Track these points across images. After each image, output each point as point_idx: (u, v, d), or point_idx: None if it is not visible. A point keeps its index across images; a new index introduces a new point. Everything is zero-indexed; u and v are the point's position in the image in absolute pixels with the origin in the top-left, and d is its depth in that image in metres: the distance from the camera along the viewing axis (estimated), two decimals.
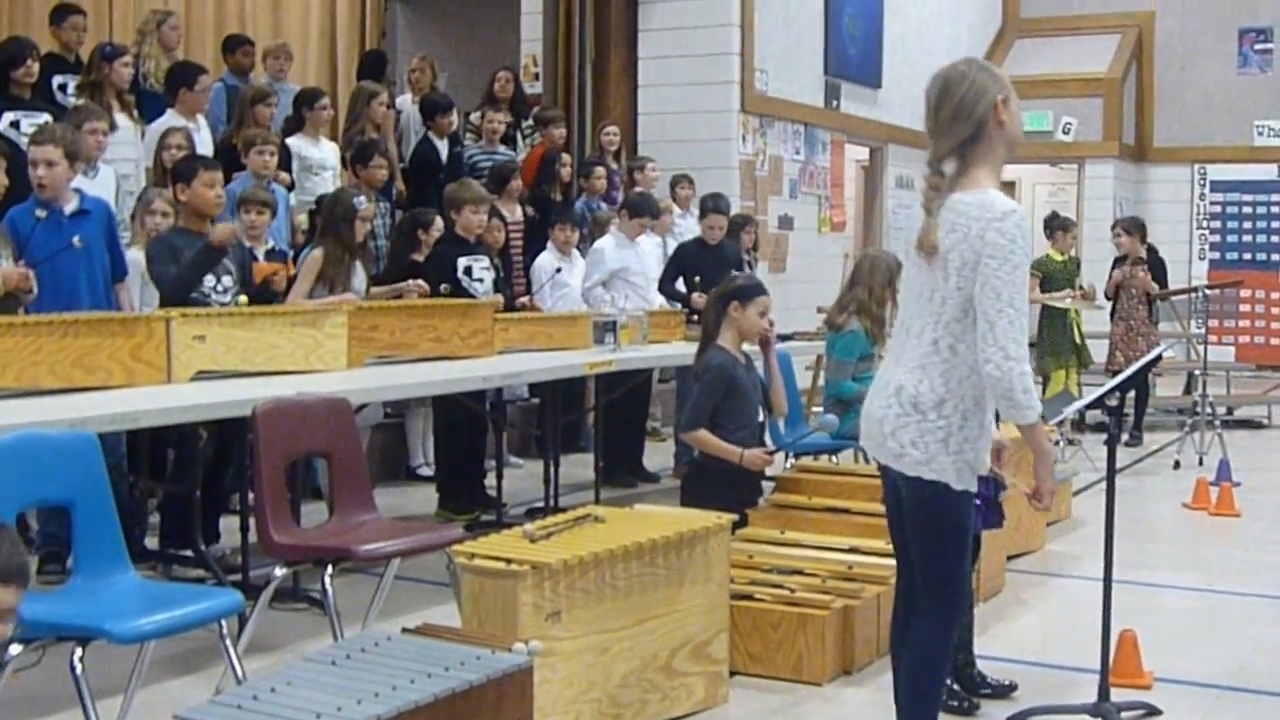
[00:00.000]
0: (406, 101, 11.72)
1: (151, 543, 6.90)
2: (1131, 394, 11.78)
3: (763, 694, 5.30)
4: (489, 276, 8.46)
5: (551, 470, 8.31)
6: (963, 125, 3.93)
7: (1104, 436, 4.98)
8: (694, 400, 6.33)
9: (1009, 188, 18.58)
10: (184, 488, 6.52)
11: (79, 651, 3.90)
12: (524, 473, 9.75)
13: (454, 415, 8.33)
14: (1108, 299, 12.08)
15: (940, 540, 4.04)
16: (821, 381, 9.08)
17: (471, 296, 8.16)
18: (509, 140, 11.42)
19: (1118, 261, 12.21)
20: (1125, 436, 11.85)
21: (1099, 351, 12.04)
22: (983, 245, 3.82)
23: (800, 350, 9.16)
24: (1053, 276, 11.63)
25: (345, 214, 7.87)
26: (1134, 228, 12.15)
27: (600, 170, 11.41)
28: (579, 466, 9.71)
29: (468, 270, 8.36)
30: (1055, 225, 12.01)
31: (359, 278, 8.00)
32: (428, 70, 11.74)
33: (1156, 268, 12.13)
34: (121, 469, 6.44)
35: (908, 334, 4.03)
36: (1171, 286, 12.73)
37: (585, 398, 10.10)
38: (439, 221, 8.77)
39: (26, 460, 4.17)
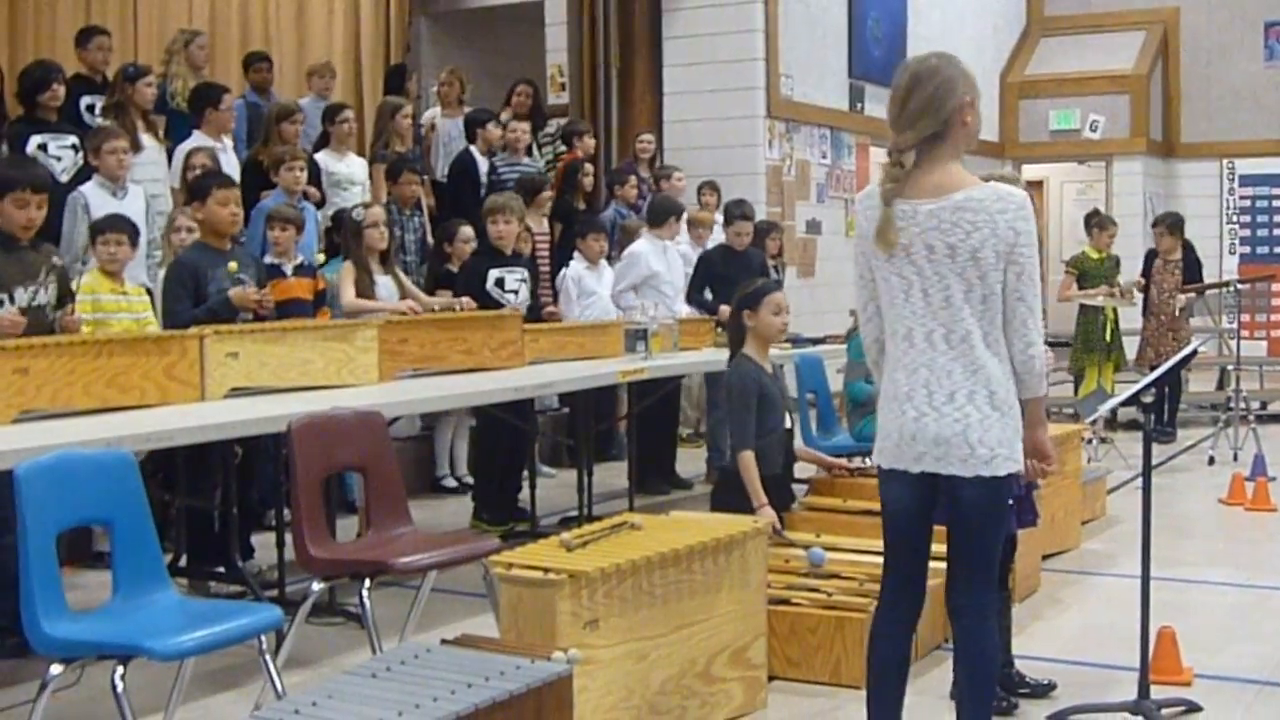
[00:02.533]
0: (436, 114, 11.75)
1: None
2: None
3: (802, 698, 5.30)
4: (524, 288, 8.47)
5: (585, 479, 8.32)
6: (928, 121, 3.92)
7: (1136, 434, 4.97)
8: (735, 420, 6.20)
9: (1037, 186, 18.56)
10: (220, 504, 6.53)
11: (120, 670, 3.91)
12: (556, 482, 9.76)
13: (493, 427, 8.35)
14: (1139, 291, 12.04)
15: (999, 533, 4.10)
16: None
17: (501, 307, 8.18)
18: (529, 151, 11.43)
19: (1150, 255, 12.19)
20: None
21: (1132, 348, 12.00)
22: (1016, 236, 3.86)
23: (832, 354, 9.15)
24: (1088, 274, 11.60)
25: (351, 229, 8.00)
26: (1177, 227, 12.14)
27: (633, 179, 11.44)
28: (611, 475, 9.72)
29: (499, 282, 8.37)
30: (1093, 223, 12.00)
31: (386, 287, 8.05)
32: (456, 84, 11.77)
33: (1192, 266, 12.08)
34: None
35: (925, 340, 3.94)
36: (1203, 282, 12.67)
37: (616, 406, 10.11)
38: (464, 231, 8.81)
39: (65, 480, 4.19)
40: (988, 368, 3.91)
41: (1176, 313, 11.88)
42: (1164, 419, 11.85)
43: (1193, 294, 12.02)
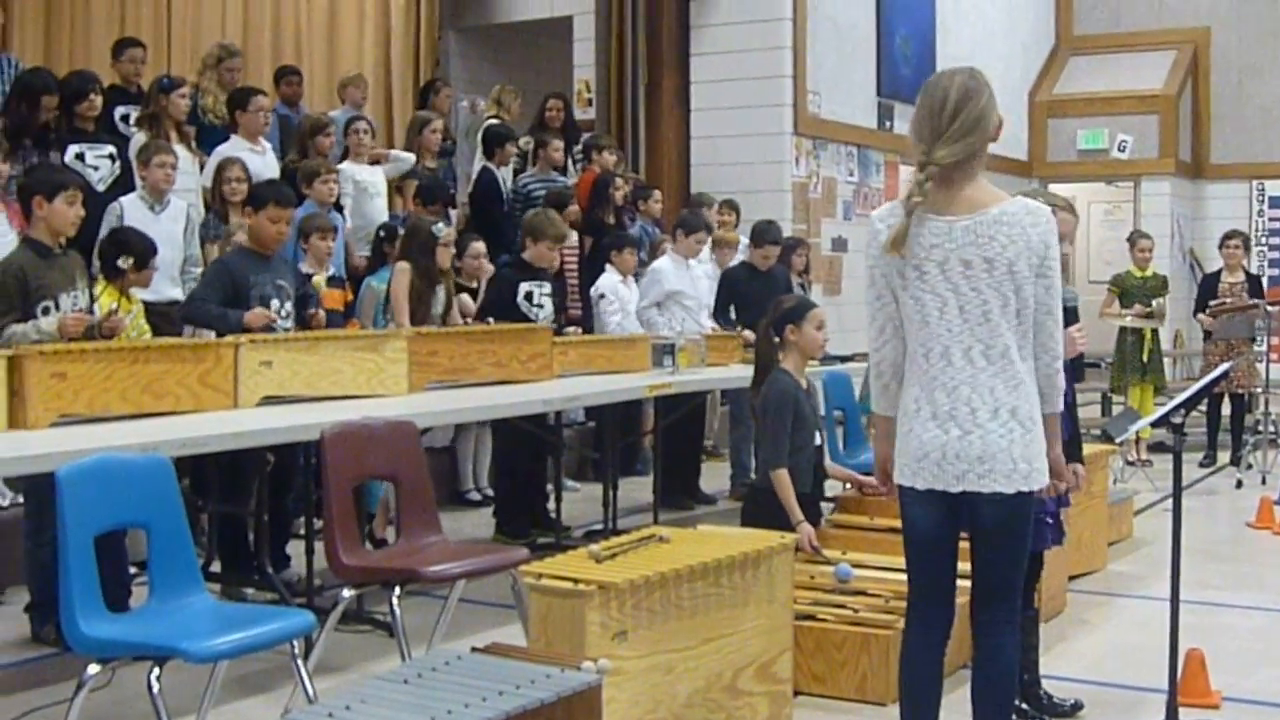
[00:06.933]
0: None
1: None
2: (1227, 413, 11.71)
3: (827, 714, 5.31)
4: (549, 303, 8.51)
5: (610, 493, 8.34)
6: (975, 138, 3.94)
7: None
8: (770, 435, 6.14)
9: None
10: (251, 511, 6.58)
11: (156, 671, 3.95)
12: (580, 496, 9.77)
13: (514, 440, 8.37)
14: (1210, 316, 11.88)
15: (1025, 548, 4.10)
16: None
17: (532, 322, 8.22)
18: (561, 167, 11.47)
19: (1211, 277, 12.13)
20: (1227, 456, 11.74)
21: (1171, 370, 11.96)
22: (1046, 250, 3.93)
23: (860, 372, 9.15)
24: (1129, 292, 11.62)
25: (426, 241, 7.96)
26: (1248, 244, 12.15)
27: (658, 194, 11.46)
28: (635, 489, 9.74)
29: (529, 295, 8.42)
30: (1129, 241, 12.10)
31: (439, 303, 8.07)
32: (513, 100, 11.79)
33: (1256, 288, 12.03)
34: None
35: (964, 356, 3.92)
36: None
37: (641, 421, 10.13)
38: (474, 247, 8.88)
39: (104, 483, 4.24)
40: (1026, 383, 3.95)
41: (1227, 339, 11.76)
42: (1234, 446, 11.75)
43: (1215, 314, 11.94)
